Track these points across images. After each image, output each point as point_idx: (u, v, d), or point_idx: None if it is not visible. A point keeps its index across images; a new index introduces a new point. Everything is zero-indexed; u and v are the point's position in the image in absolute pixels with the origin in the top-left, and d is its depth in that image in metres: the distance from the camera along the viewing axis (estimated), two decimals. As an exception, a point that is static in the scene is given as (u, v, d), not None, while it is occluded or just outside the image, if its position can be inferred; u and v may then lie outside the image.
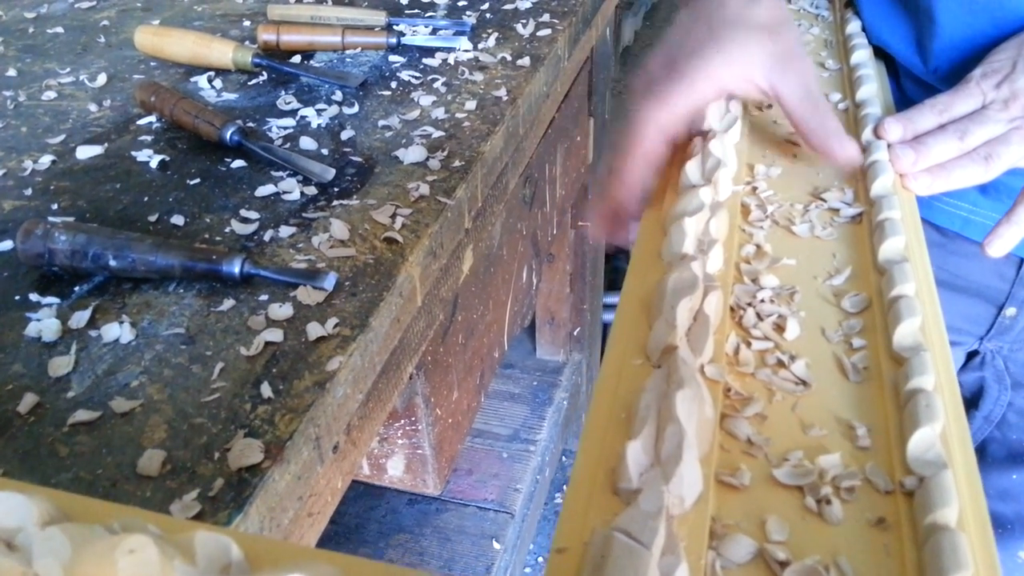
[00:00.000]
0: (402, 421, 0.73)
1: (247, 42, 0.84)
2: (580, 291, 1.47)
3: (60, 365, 0.46)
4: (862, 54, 0.64)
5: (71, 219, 0.58)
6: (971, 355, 0.79)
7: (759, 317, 0.40)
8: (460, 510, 1.27)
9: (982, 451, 0.84)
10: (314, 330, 0.48)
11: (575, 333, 1.53)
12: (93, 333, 0.48)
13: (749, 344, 0.39)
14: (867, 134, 0.53)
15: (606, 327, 1.73)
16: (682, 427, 0.30)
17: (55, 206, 0.60)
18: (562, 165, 1.09)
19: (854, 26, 0.69)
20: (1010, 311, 0.73)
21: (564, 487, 1.68)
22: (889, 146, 0.50)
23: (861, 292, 0.41)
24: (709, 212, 0.44)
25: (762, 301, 0.41)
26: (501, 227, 0.82)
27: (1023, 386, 0.78)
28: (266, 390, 0.44)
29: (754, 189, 0.50)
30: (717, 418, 0.34)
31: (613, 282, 1.85)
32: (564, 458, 1.72)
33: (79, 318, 0.49)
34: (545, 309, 1.49)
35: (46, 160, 0.65)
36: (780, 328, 0.40)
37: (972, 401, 0.81)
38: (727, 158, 0.48)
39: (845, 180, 0.51)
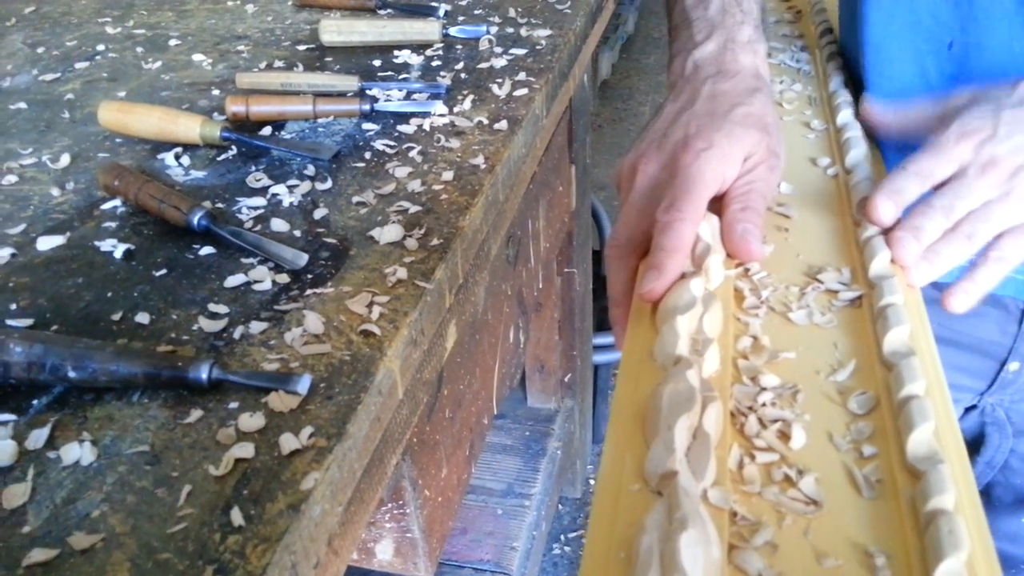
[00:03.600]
0: (389, 505, 0.70)
1: (215, 113, 0.82)
2: (569, 337, 1.45)
3: (16, 494, 0.43)
4: (847, 114, 0.62)
5: (30, 321, 0.55)
6: (969, 408, 0.77)
7: (762, 424, 0.38)
8: (455, 573, 1.23)
9: (987, 495, 0.82)
10: (288, 442, 0.45)
11: (566, 379, 1.50)
12: (52, 455, 0.45)
13: (753, 457, 0.36)
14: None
15: (597, 369, 1.70)
16: (687, 579, 0.28)
17: (13, 306, 0.57)
18: (545, 218, 1.07)
19: (836, 81, 0.67)
20: (1013, 366, 0.71)
21: (561, 536, 1.64)
22: (885, 231, 0.48)
23: (868, 390, 0.39)
24: (702, 307, 0.41)
25: (763, 405, 0.38)
26: (484, 291, 0.80)
27: None
28: (236, 517, 0.41)
29: (747, 271, 0.48)
30: (724, 555, 0.31)
31: (602, 322, 1.82)
32: (561, 506, 1.68)
33: (37, 437, 0.46)
34: (535, 357, 1.46)
35: (5, 254, 0.62)
36: (785, 435, 0.37)
37: (973, 446, 0.79)
38: (716, 242, 0.46)
39: (842, 258, 0.49)
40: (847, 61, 0.74)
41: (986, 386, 0.74)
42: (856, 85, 0.68)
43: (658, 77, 3.33)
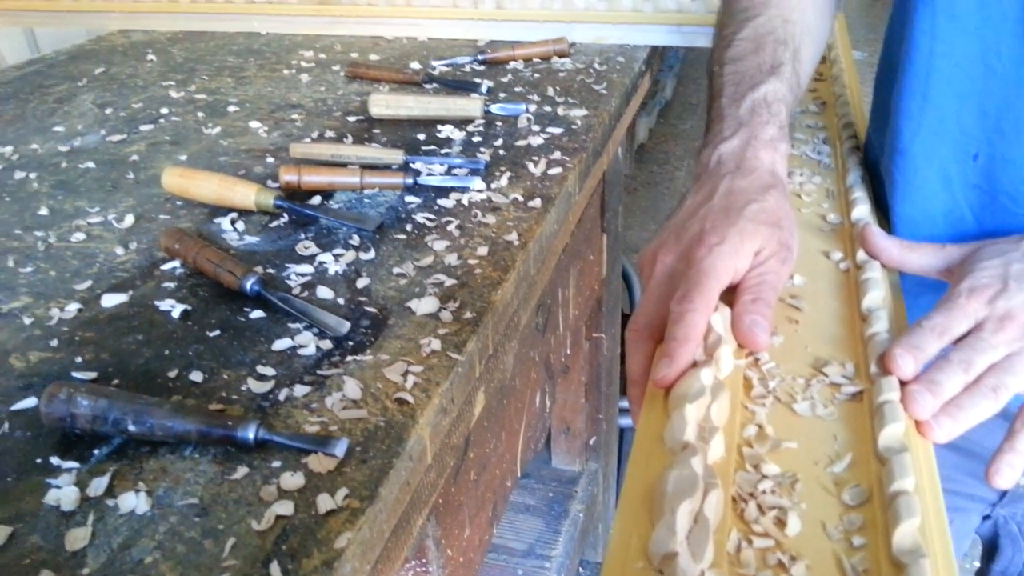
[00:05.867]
0: (412, 563, 0.73)
1: (269, 181, 0.88)
2: (595, 401, 1.48)
3: (77, 538, 0.47)
4: (862, 210, 0.65)
5: (94, 374, 0.60)
6: (986, 516, 0.78)
7: (761, 510, 0.41)
8: (473, 630, 1.24)
9: None
10: (324, 502, 0.49)
11: (591, 442, 1.52)
12: (110, 502, 0.50)
13: (751, 541, 0.39)
14: (876, 327, 0.53)
15: (623, 433, 1.72)
16: (680, 654, 0.31)
17: (79, 359, 0.62)
18: (575, 286, 1.11)
19: (854, 176, 0.71)
20: None
21: (580, 599, 1.64)
22: (902, 384, 0.48)
23: (861, 483, 0.42)
24: (710, 396, 0.45)
25: (764, 492, 0.42)
26: (513, 359, 0.84)
27: None
28: (275, 570, 0.45)
29: (756, 361, 0.51)
30: (717, 633, 0.34)
31: (629, 385, 1.85)
32: (582, 569, 1.69)
33: (97, 485, 0.51)
34: (560, 419, 1.49)
35: (72, 308, 0.68)
36: (781, 523, 0.40)
37: (988, 552, 0.80)
38: (728, 333, 0.50)
39: (847, 352, 0.52)
40: (873, 158, 0.75)
41: (997, 497, 0.75)
42: (880, 184, 0.71)
43: (694, 143, 3.39)
